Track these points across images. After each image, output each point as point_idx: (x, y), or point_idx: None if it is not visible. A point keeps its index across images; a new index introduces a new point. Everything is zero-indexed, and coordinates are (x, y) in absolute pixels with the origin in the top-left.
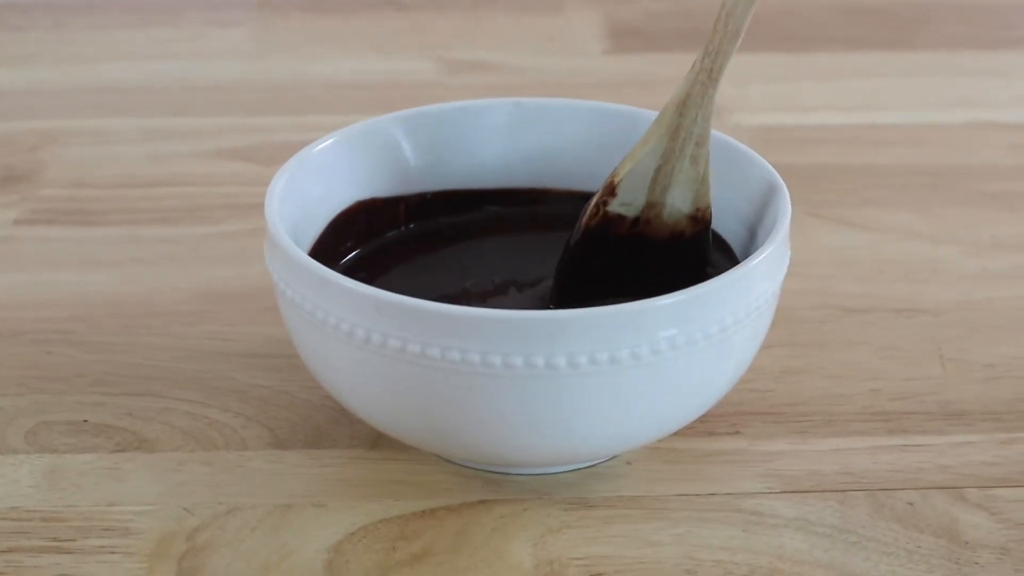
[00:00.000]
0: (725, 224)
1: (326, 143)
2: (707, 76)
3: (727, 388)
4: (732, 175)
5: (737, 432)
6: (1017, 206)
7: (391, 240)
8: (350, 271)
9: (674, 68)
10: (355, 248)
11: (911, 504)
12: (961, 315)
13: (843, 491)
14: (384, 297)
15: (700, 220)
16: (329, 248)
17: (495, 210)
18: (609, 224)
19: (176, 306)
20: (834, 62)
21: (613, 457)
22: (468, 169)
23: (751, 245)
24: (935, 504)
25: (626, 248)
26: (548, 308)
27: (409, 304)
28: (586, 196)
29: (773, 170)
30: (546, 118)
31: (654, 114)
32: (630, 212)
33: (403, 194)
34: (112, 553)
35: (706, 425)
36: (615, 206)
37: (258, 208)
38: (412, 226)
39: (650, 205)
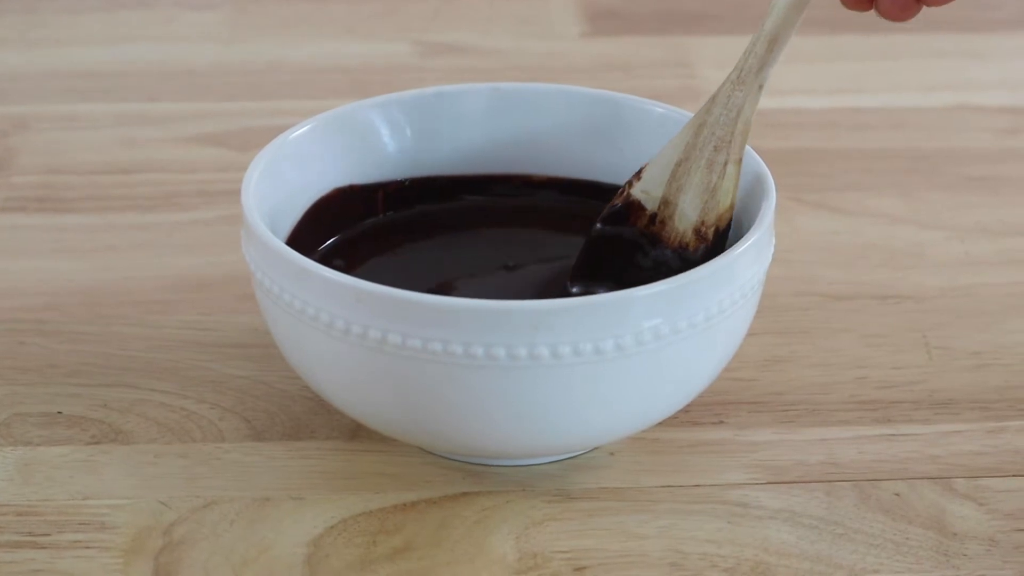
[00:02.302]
0: None
1: (303, 129)
2: (736, 75)
3: (712, 378)
4: None
5: (721, 422)
6: (1001, 190)
7: (370, 228)
8: (329, 260)
9: (652, 51)
10: (333, 236)
11: (898, 495)
12: (946, 302)
13: (829, 482)
14: (364, 287)
15: (702, 237)
16: (307, 236)
17: (475, 197)
18: (630, 208)
19: (151, 295)
20: (815, 45)
21: (596, 448)
22: (447, 155)
23: (735, 233)
24: (923, 495)
25: (642, 245)
26: (531, 298)
27: (390, 294)
28: (567, 182)
29: (757, 157)
30: (525, 103)
31: (636, 99)
32: (648, 204)
33: (382, 181)
34: (88, 548)
35: (690, 415)
36: (637, 190)
37: (233, 195)
38: (391, 213)
39: (665, 202)
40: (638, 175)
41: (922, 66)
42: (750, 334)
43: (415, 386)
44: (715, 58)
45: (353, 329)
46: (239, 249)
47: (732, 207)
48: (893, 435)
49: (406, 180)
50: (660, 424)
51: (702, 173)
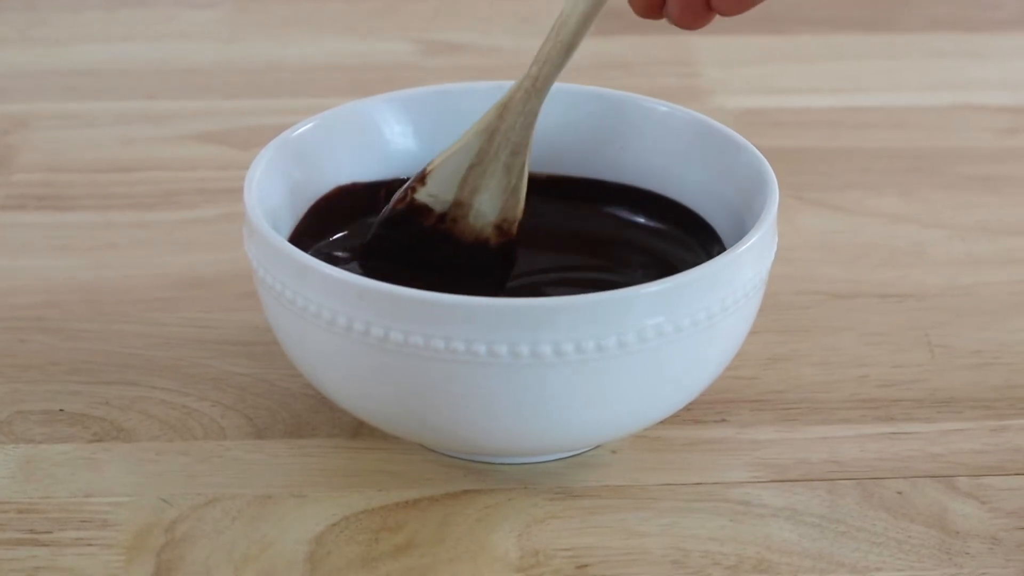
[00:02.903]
0: (711, 209)
1: (305, 127)
2: (531, 84)
3: (714, 376)
4: (718, 160)
5: (723, 420)
6: (1002, 189)
7: (372, 225)
8: (331, 257)
9: (653, 50)
10: (336, 234)
11: (900, 493)
12: (947, 300)
13: (831, 480)
14: (366, 284)
15: (505, 232)
16: (310, 234)
17: None
18: (416, 212)
19: (152, 292)
20: (817, 44)
21: (598, 446)
22: None
23: (738, 231)
24: (925, 493)
25: (433, 241)
26: (533, 296)
27: (391, 291)
28: (568, 180)
29: (760, 155)
30: None
31: (637, 97)
32: (437, 206)
33: (384, 179)
34: (89, 545)
35: (692, 413)
36: (422, 195)
37: (234, 193)
38: None
39: (458, 204)
40: (421, 180)
41: (923, 66)
42: (752, 332)
43: (417, 384)
44: (715, 57)
45: (355, 326)
46: (240, 247)
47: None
48: (895, 433)
49: (408, 178)
50: (662, 422)
51: (499, 176)
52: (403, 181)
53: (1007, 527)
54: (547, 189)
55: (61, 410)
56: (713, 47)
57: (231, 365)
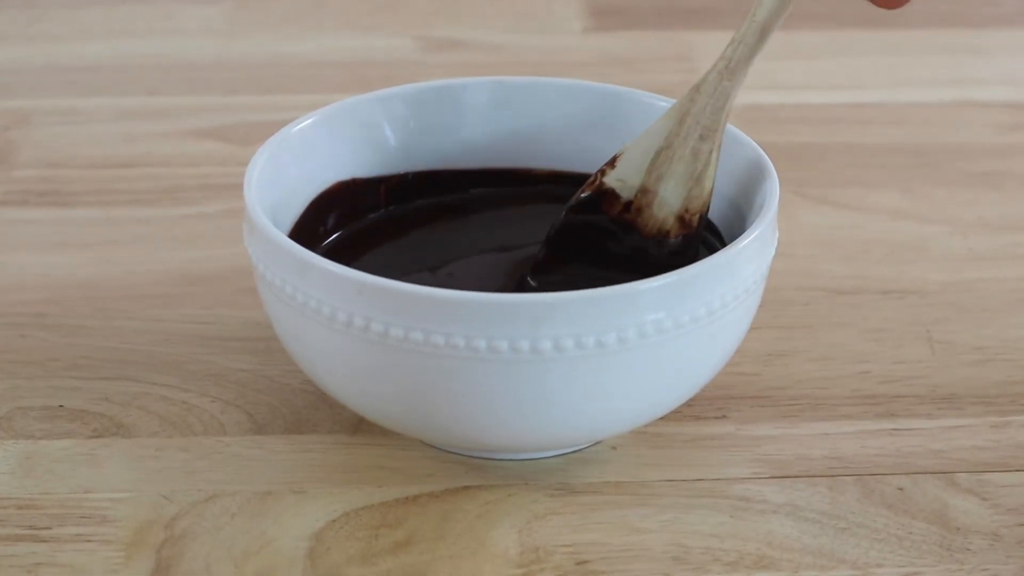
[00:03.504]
0: (712, 205)
1: (306, 123)
2: (725, 65)
3: (714, 372)
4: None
5: (724, 416)
6: (1003, 185)
7: (373, 221)
8: (331, 253)
9: (654, 46)
10: (336, 230)
11: (901, 489)
12: (949, 296)
13: (832, 476)
14: (366, 280)
15: (687, 224)
16: (309, 230)
17: (477, 190)
18: (603, 197)
19: (152, 288)
20: (818, 40)
21: (598, 442)
22: (450, 149)
23: (738, 226)
24: (926, 489)
25: (615, 232)
26: (534, 291)
27: (392, 287)
28: (569, 176)
29: (761, 150)
30: (528, 97)
31: (638, 93)
32: (624, 192)
33: (384, 174)
34: (89, 541)
35: (692, 409)
36: (611, 178)
37: (234, 188)
38: (394, 207)
39: (643, 191)
40: (611, 163)
41: (924, 62)
42: (752, 328)
43: (417, 379)
44: (716, 53)
45: (355, 322)
46: (240, 243)
47: (711, 192)
48: (896, 430)
49: (408, 174)
50: (662, 418)
51: (687, 162)
52: (403, 177)
53: (1008, 523)
54: (548, 183)
55: (61, 406)
56: (713, 43)
57: (231, 361)
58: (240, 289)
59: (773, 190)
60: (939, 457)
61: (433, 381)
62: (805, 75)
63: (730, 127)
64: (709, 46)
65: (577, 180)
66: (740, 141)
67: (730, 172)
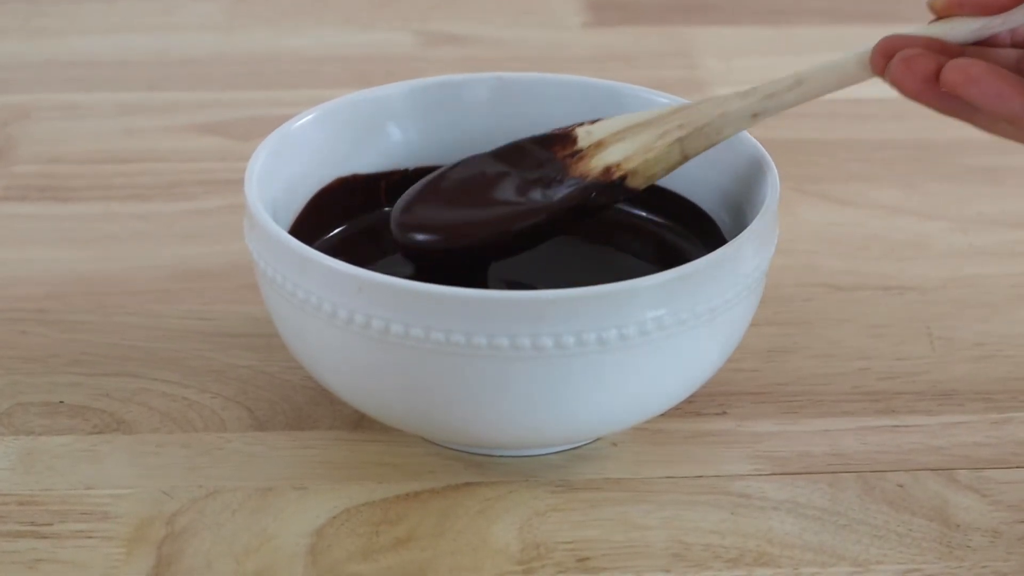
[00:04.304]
0: (712, 202)
1: (306, 119)
2: (751, 89)
3: (715, 368)
4: (718, 152)
5: (724, 413)
6: (1004, 181)
7: (373, 218)
8: (332, 249)
9: (654, 42)
10: (337, 226)
11: (901, 486)
12: (949, 292)
13: (833, 473)
14: (367, 277)
15: (607, 174)
16: (310, 226)
17: None
18: (565, 139)
19: (152, 284)
20: (817, 35)
21: (599, 439)
22: (450, 145)
23: (738, 223)
24: (926, 486)
25: (542, 165)
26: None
27: (392, 284)
28: None
29: (760, 146)
30: (528, 93)
31: (638, 89)
32: (583, 141)
33: (384, 170)
34: (90, 538)
35: (692, 406)
36: (583, 129)
37: (234, 184)
38: (394, 203)
39: (599, 143)
40: (593, 121)
41: None
42: (753, 324)
43: (418, 376)
44: (716, 48)
45: (356, 319)
46: (241, 238)
47: (650, 180)
48: (896, 426)
49: (409, 170)
50: (663, 415)
51: (651, 135)
52: (403, 173)
53: (1008, 520)
54: None
55: (61, 402)
56: (713, 39)
57: (232, 357)
58: (240, 285)
59: (773, 186)
60: (939, 454)
61: (434, 378)
62: None
63: None
64: (708, 41)
65: None
66: (740, 138)
67: (730, 169)
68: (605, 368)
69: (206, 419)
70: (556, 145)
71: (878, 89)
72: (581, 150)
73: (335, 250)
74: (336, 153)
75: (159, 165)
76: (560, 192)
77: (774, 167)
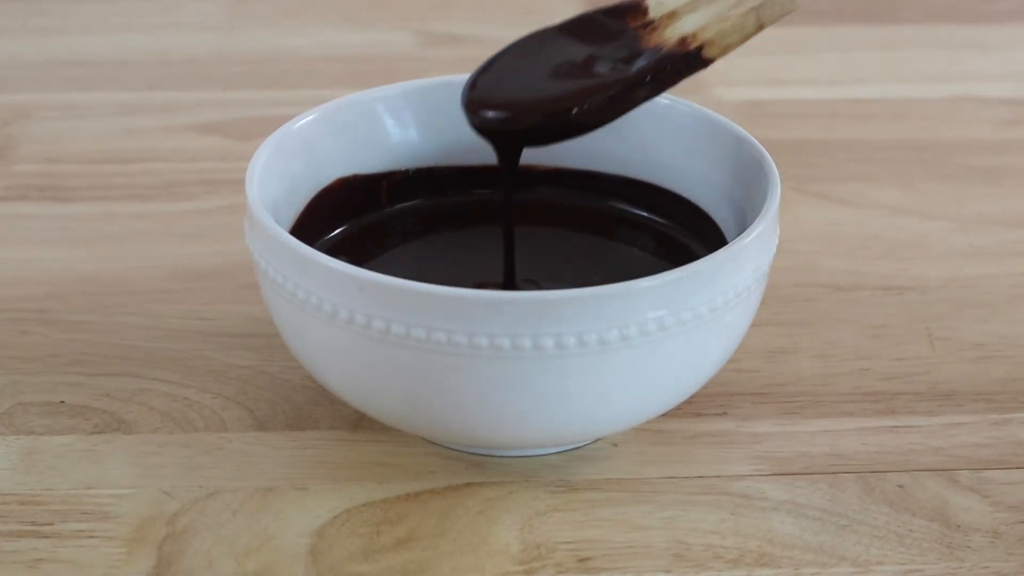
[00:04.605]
0: (713, 202)
1: (307, 119)
2: None
3: (716, 369)
4: (719, 152)
5: (724, 413)
6: (1003, 181)
7: (374, 218)
8: (332, 250)
9: None
10: (338, 226)
11: (902, 487)
12: (949, 293)
13: (833, 473)
14: (367, 277)
15: (683, 45)
16: (311, 226)
17: (478, 187)
18: (636, 10)
19: (152, 284)
20: (818, 36)
21: (599, 439)
22: (451, 145)
23: (739, 223)
24: (926, 487)
25: (616, 38)
26: (536, 288)
27: (393, 284)
28: (571, 172)
29: (761, 147)
30: None
31: None
32: (654, 11)
33: (385, 171)
34: (91, 537)
35: (693, 406)
36: (653, 0)
37: (235, 184)
38: (395, 204)
39: (672, 14)
40: None
41: (924, 57)
42: (753, 325)
43: (418, 376)
44: None
45: (356, 319)
46: (241, 238)
47: (727, 50)
48: (896, 427)
49: (410, 170)
50: (663, 415)
51: (725, 4)
52: (404, 173)
53: (1008, 521)
54: (549, 181)
55: (62, 402)
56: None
57: (232, 357)
58: (241, 285)
59: (774, 187)
60: (940, 454)
61: (434, 378)
62: (805, 71)
63: (730, 124)
64: None
65: (579, 177)
66: (740, 138)
67: (731, 169)
68: (606, 368)
69: (206, 419)
70: (628, 16)
71: (878, 89)
72: (653, 21)
73: (336, 250)
74: (337, 153)
75: (159, 165)
76: (635, 65)
77: (775, 168)
